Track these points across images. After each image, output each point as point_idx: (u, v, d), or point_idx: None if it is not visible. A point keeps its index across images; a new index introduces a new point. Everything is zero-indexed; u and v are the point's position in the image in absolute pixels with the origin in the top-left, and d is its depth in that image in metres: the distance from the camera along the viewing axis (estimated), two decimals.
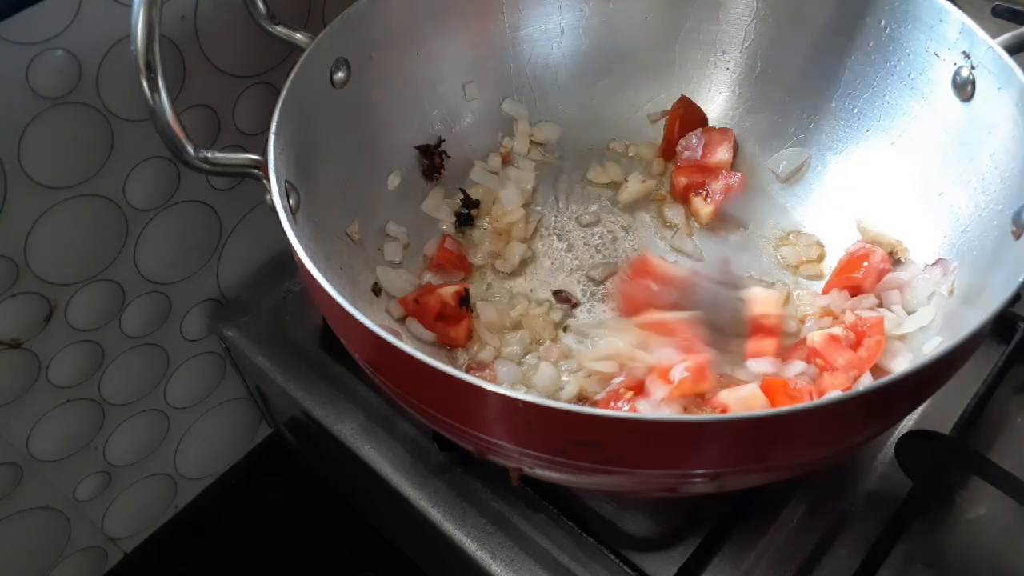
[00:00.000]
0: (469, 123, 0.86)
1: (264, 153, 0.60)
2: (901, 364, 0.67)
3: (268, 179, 0.60)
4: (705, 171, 0.85)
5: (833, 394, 0.63)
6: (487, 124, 0.87)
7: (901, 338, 0.69)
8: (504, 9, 0.83)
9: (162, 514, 0.97)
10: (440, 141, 0.84)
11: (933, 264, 0.71)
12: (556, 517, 0.68)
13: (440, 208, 0.84)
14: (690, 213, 0.86)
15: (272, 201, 0.58)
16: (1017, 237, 0.60)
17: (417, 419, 0.65)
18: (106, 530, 0.90)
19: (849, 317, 0.71)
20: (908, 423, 0.73)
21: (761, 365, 0.68)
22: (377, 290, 0.76)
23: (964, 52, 0.68)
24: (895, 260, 0.75)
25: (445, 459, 0.73)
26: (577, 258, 0.83)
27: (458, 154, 0.85)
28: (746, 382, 0.66)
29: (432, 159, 0.83)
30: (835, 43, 0.79)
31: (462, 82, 0.85)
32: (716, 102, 0.88)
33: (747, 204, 0.85)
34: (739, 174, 0.84)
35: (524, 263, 0.83)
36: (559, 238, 0.85)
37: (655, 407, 0.63)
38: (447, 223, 0.83)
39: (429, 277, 0.80)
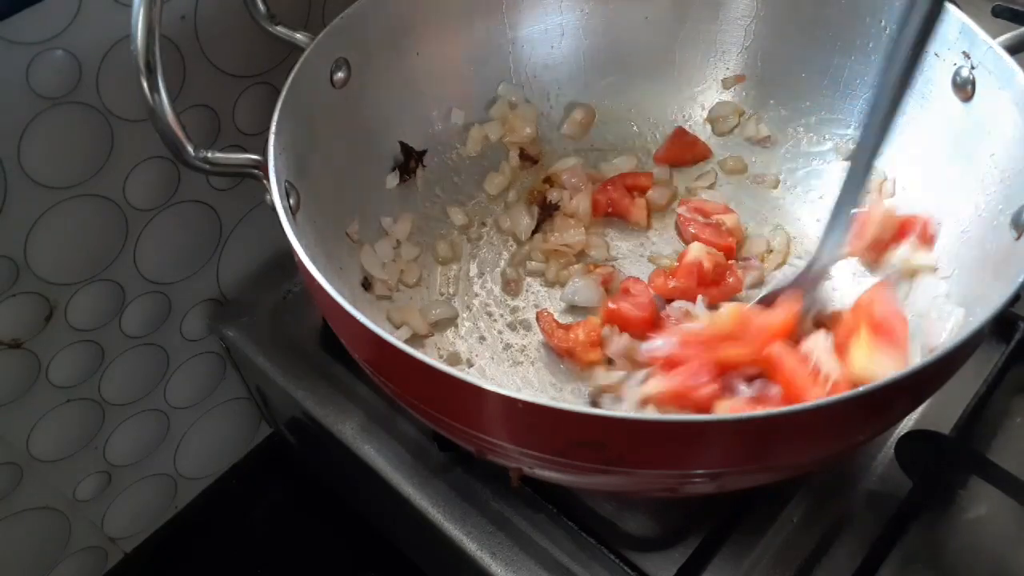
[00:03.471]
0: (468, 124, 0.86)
1: (264, 153, 0.61)
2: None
3: (268, 179, 0.60)
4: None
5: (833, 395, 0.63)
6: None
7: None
8: (504, 9, 0.83)
9: (162, 514, 0.97)
10: (423, 152, 0.83)
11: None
12: (556, 517, 0.68)
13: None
14: None
15: (272, 201, 0.58)
16: (1017, 238, 0.60)
17: (417, 419, 0.65)
18: (106, 530, 0.90)
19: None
20: (908, 423, 0.73)
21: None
22: (367, 284, 0.75)
23: (964, 52, 0.68)
24: None
25: (445, 459, 0.73)
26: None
27: (457, 154, 0.86)
28: None
29: (408, 161, 0.82)
30: (835, 43, 0.79)
31: (462, 82, 0.85)
32: (716, 102, 0.88)
33: (746, 203, 0.85)
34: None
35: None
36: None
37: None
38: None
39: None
